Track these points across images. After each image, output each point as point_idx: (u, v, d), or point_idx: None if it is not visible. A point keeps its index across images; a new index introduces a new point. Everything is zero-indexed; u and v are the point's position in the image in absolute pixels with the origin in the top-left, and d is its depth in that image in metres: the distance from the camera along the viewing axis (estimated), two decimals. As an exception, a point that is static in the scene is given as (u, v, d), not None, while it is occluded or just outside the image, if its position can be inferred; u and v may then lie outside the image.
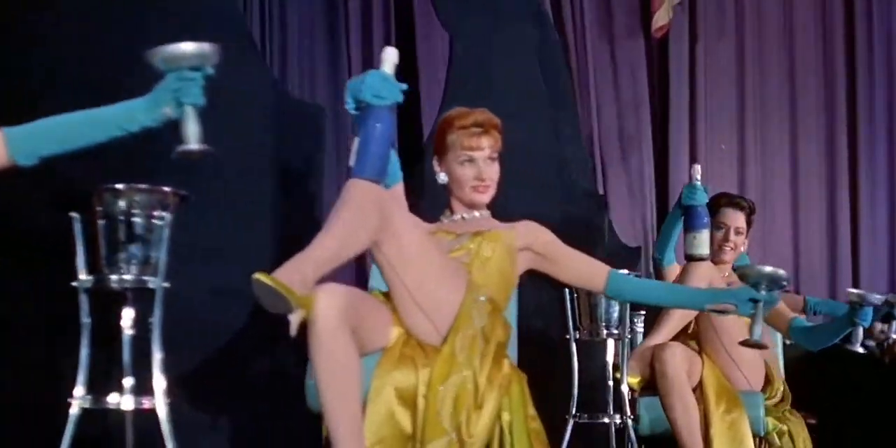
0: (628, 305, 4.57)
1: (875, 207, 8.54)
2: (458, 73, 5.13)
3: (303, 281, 2.36)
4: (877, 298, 3.90)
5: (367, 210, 2.54)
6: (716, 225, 4.22)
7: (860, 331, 3.95)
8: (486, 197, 2.99)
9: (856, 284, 8.08)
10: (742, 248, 4.33)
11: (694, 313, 3.95)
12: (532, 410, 2.68)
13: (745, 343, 3.13)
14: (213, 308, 3.88)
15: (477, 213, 3.02)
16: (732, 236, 4.24)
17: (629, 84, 8.46)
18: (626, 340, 4.61)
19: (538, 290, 4.26)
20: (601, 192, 7.45)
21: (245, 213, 4.09)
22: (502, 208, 4.76)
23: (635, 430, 4.32)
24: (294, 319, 2.38)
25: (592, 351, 4.77)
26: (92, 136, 2.20)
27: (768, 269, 2.96)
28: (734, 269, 3.08)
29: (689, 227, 4.00)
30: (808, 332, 4.22)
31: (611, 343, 4.64)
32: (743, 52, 8.65)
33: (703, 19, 8.59)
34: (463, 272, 2.76)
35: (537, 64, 5.33)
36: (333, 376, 2.44)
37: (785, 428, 4.07)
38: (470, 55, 5.14)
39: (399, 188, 2.93)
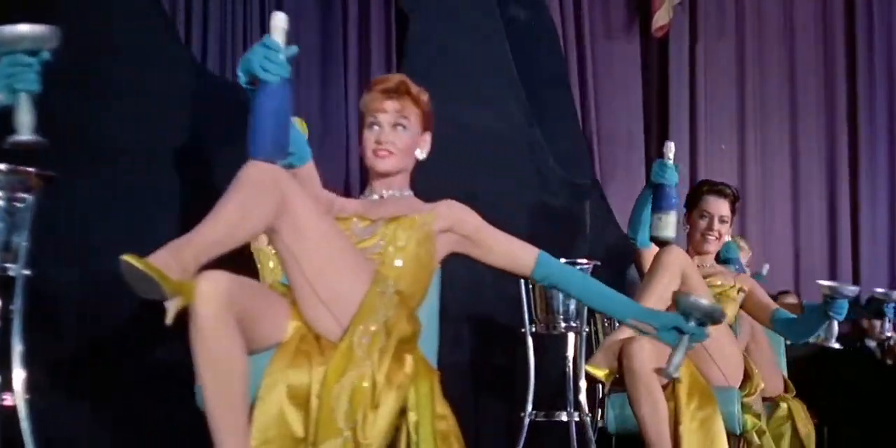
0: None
1: (875, 207, 8.47)
2: (414, 56, 4.90)
3: (181, 266, 2.17)
4: (850, 290, 3.78)
5: (262, 193, 2.36)
6: (699, 213, 4.09)
7: (835, 325, 3.82)
8: (387, 164, 2.78)
9: (856, 284, 8.02)
10: (727, 238, 4.19)
11: (668, 301, 3.72)
12: (443, 409, 2.49)
13: (658, 372, 3.01)
14: (111, 298, 3.64)
15: (396, 192, 2.83)
16: (717, 225, 4.08)
17: (629, 84, 8.45)
18: (585, 334, 4.38)
19: (498, 279, 4.06)
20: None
21: (158, 201, 3.89)
22: (472, 195, 4.54)
23: (597, 428, 4.20)
24: (170, 307, 2.17)
25: (551, 345, 4.52)
26: None
27: (705, 302, 2.75)
28: (675, 298, 2.78)
29: (656, 208, 3.82)
30: (788, 324, 4.13)
31: (571, 337, 4.36)
32: (743, 52, 8.60)
33: (703, 19, 8.55)
34: (370, 262, 2.59)
35: (509, 49, 5.06)
36: (215, 372, 2.25)
37: (765, 426, 3.96)
38: (429, 39, 4.91)
39: (310, 168, 2.74)
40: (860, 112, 8.58)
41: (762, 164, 8.56)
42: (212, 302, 2.22)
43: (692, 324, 2.73)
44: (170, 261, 2.16)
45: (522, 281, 4.24)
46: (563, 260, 4.20)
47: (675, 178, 3.86)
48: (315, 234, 2.47)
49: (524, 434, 4.19)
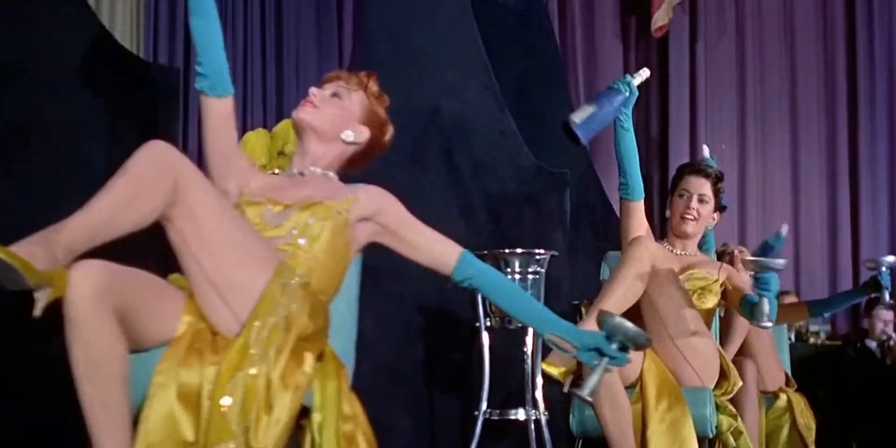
0: (542, 288, 4.11)
1: (876, 206, 8.41)
2: (374, 44, 4.72)
3: (49, 255, 2.05)
4: (776, 264, 3.49)
5: (153, 178, 2.21)
6: (678, 193, 3.93)
7: (765, 303, 3.49)
8: (306, 114, 2.67)
9: (856, 285, 8.00)
10: (710, 221, 3.96)
11: (639, 291, 3.59)
12: (351, 410, 2.34)
13: (570, 393, 2.85)
14: None
15: (319, 170, 2.70)
16: (695, 204, 3.88)
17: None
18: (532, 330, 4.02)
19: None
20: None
21: (75, 181, 3.56)
22: (439, 185, 4.26)
23: (552, 427, 4.01)
24: (39, 299, 2.05)
25: (509, 340, 4.21)
26: None
27: (631, 327, 2.53)
28: (599, 318, 2.55)
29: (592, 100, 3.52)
30: (743, 306, 3.81)
31: (531, 331, 4.08)
32: (743, 52, 8.57)
33: (703, 18, 8.54)
34: (275, 253, 2.44)
35: (479, 36, 4.81)
36: (90, 368, 2.11)
37: (742, 428, 3.76)
38: (386, 26, 4.72)
39: (228, 104, 2.63)
40: (860, 111, 8.52)
41: (762, 163, 8.53)
42: (85, 293, 2.09)
43: (614, 347, 2.54)
44: (36, 250, 2.04)
45: None
46: (519, 250, 4.07)
47: (626, 89, 3.47)
48: (211, 222, 2.31)
49: (478, 433, 3.99)
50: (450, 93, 4.57)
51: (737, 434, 3.74)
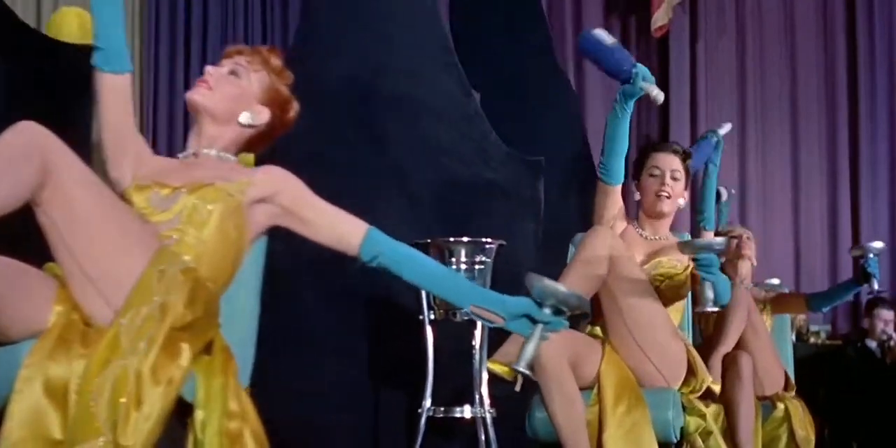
0: (488, 278, 3.89)
1: (876, 205, 8.35)
2: (324, 24, 4.42)
3: None
4: (717, 243, 3.30)
5: (18, 158, 2.09)
6: (648, 172, 3.75)
7: (706, 287, 3.30)
8: (200, 98, 2.56)
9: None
10: (681, 202, 3.78)
11: (595, 278, 3.37)
12: (238, 406, 2.21)
13: (514, 371, 2.63)
14: None
15: (214, 152, 2.58)
16: (668, 180, 3.71)
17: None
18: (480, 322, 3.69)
19: None
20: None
21: None
22: (403, 172, 4.07)
23: (501, 426, 3.82)
24: None
25: (454, 334, 3.97)
26: None
27: (560, 287, 2.33)
28: (526, 281, 2.35)
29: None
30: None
31: (479, 325, 3.88)
32: (744, 51, 8.51)
33: (703, 18, 8.49)
34: (156, 238, 2.31)
35: (442, 20, 4.68)
36: None
37: (713, 428, 3.57)
38: (340, 8, 4.44)
39: (126, 81, 2.52)
40: (861, 110, 8.46)
41: (762, 162, 8.48)
42: None
43: (546, 311, 2.34)
44: None
45: None
46: (465, 238, 3.85)
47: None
48: (83, 206, 2.18)
49: (422, 432, 3.77)
50: (410, 76, 4.33)
51: (705, 435, 3.55)
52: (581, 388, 3.31)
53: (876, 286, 4.54)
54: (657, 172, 3.72)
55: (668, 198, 3.71)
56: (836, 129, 8.52)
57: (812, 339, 7.68)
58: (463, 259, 3.87)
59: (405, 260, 2.50)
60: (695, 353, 3.57)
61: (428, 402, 3.82)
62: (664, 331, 3.49)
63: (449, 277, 2.55)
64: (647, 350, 3.41)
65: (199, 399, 2.18)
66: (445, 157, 4.35)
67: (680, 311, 3.71)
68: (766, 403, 4.47)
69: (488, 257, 3.89)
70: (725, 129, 3.80)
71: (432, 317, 3.89)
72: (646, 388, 3.40)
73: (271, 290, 2.70)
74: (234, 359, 2.30)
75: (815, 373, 6.12)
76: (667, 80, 8.41)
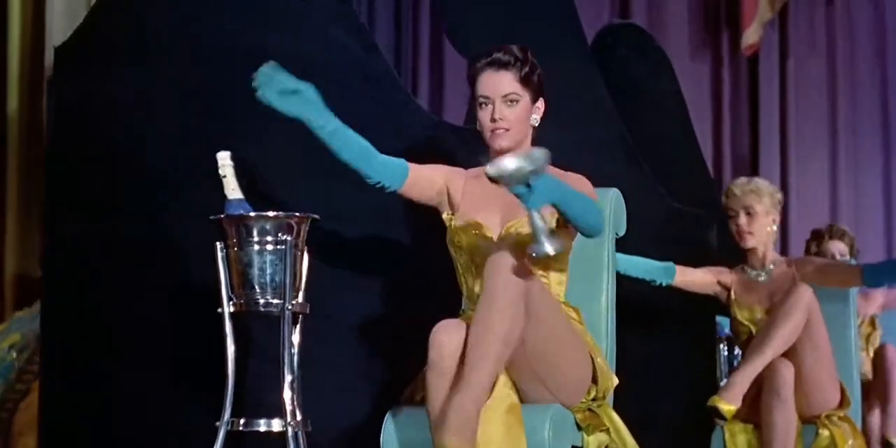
0: (297, 264, 3.07)
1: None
2: None
3: None
4: (535, 157, 2.63)
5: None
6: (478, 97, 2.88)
7: (535, 218, 2.53)
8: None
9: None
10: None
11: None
12: None
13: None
14: None
15: None
16: (502, 109, 2.82)
17: (726, 103, 8.31)
18: (288, 314, 3.01)
19: (198, 239, 3.19)
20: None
21: None
22: (301, 141, 3.31)
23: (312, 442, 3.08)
24: None
25: (263, 330, 3.27)
26: None
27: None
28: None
29: None
30: None
31: (288, 317, 3.03)
32: (834, 68, 8.25)
33: (793, 35, 8.28)
34: None
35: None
36: None
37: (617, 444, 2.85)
38: None
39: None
40: (955, 128, 8.14)
41: (854, 182, 8.20)
42: None
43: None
44: None
45: (218, 243, 3.06)
46: (271, 213, 3.01)
47: None
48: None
49: (219, 446, 3.01)
50: (297, 32, 3.55)
51: None
52: None
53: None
54: (485, 102, 2.85)
55: (506, 131, 2.83)
56: (930, 146, 8.23)
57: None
58: (255, 237, 3.03)
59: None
60: (598, 351, 2.89)
61: (227, 414, 3.04)
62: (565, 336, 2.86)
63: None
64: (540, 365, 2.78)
65: None
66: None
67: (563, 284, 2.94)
68: (811, 426, 3.98)
69: (290, 236, 3.02)
70: None
71: (232, 309, 3.07)
72: (527, 404, 2.78)
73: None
74: None
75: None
76: (756, 98, 8.26)
